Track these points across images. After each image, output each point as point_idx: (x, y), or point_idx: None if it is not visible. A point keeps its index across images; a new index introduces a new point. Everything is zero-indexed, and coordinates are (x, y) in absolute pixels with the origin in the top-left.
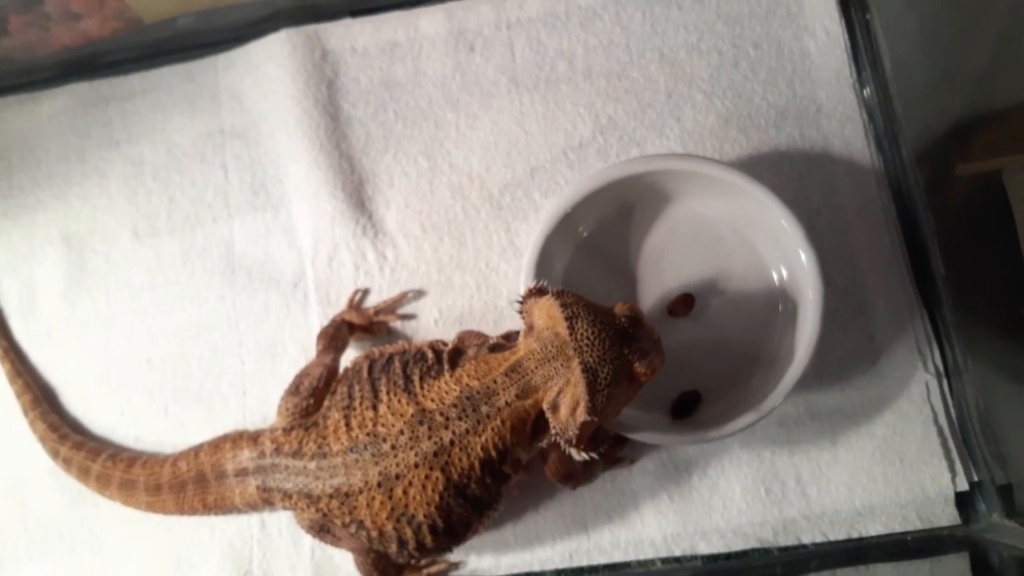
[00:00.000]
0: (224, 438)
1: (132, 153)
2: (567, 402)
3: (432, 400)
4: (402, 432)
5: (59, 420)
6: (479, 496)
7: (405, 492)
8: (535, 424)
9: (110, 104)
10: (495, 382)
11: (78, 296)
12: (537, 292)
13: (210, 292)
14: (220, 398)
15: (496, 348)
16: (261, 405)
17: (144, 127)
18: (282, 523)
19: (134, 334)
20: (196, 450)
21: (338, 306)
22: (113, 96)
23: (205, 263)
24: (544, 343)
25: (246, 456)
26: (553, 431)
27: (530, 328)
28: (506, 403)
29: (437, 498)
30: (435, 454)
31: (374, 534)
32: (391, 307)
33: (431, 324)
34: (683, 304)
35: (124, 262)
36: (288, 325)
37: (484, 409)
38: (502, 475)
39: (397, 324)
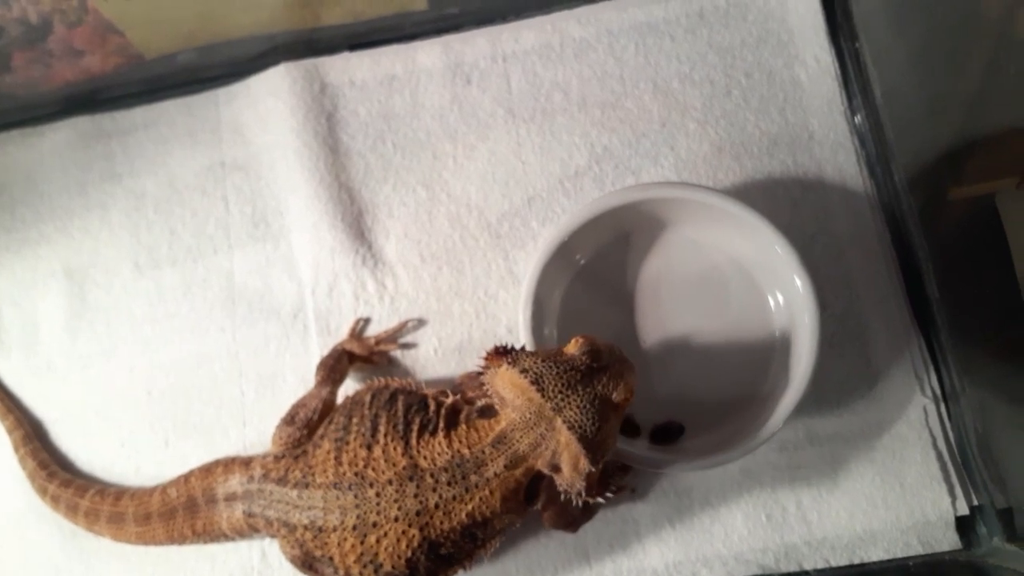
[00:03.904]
0: (216, 463)
1: (134, 186)
2: (567, 460)
3: (425, 458)
4: (390, 482)
5: (48, 457)
6: (451, 554)
7: (378, 541)
8: (528, 489)
9: (112, 138)
10: (484, 452)
11: (79, 328)
12: (498, 354)
13: (211, 323)
14: (220, 429)
15: (485, 412)
16: (261, 436)
17: (146, 160)
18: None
19: (135, 365)
20: (186, 476)
21: (338, 336)
22: (115, 130)
23: (206, 294)
24: (521, 412)
25: (236, 481)
26: (561, 488)
27: (502, 400)
28: (495, 474)
29: (409, 553)
30: (417, 513)
31: (341, 573)
32: (392, 337)
33: (431, 353)
34: (667, 431)
35: (125, 294)
36: (288, 356)
37: (473, 479)
38: (481, 541)
39: (397, 354)
